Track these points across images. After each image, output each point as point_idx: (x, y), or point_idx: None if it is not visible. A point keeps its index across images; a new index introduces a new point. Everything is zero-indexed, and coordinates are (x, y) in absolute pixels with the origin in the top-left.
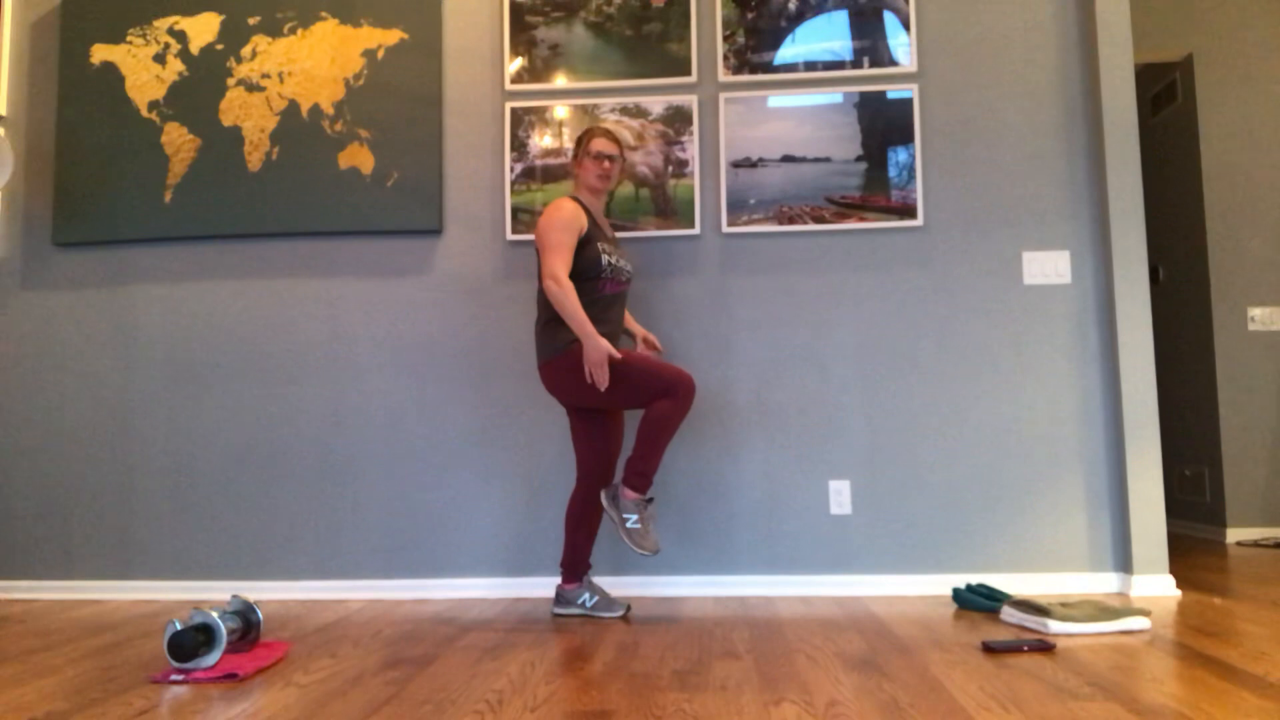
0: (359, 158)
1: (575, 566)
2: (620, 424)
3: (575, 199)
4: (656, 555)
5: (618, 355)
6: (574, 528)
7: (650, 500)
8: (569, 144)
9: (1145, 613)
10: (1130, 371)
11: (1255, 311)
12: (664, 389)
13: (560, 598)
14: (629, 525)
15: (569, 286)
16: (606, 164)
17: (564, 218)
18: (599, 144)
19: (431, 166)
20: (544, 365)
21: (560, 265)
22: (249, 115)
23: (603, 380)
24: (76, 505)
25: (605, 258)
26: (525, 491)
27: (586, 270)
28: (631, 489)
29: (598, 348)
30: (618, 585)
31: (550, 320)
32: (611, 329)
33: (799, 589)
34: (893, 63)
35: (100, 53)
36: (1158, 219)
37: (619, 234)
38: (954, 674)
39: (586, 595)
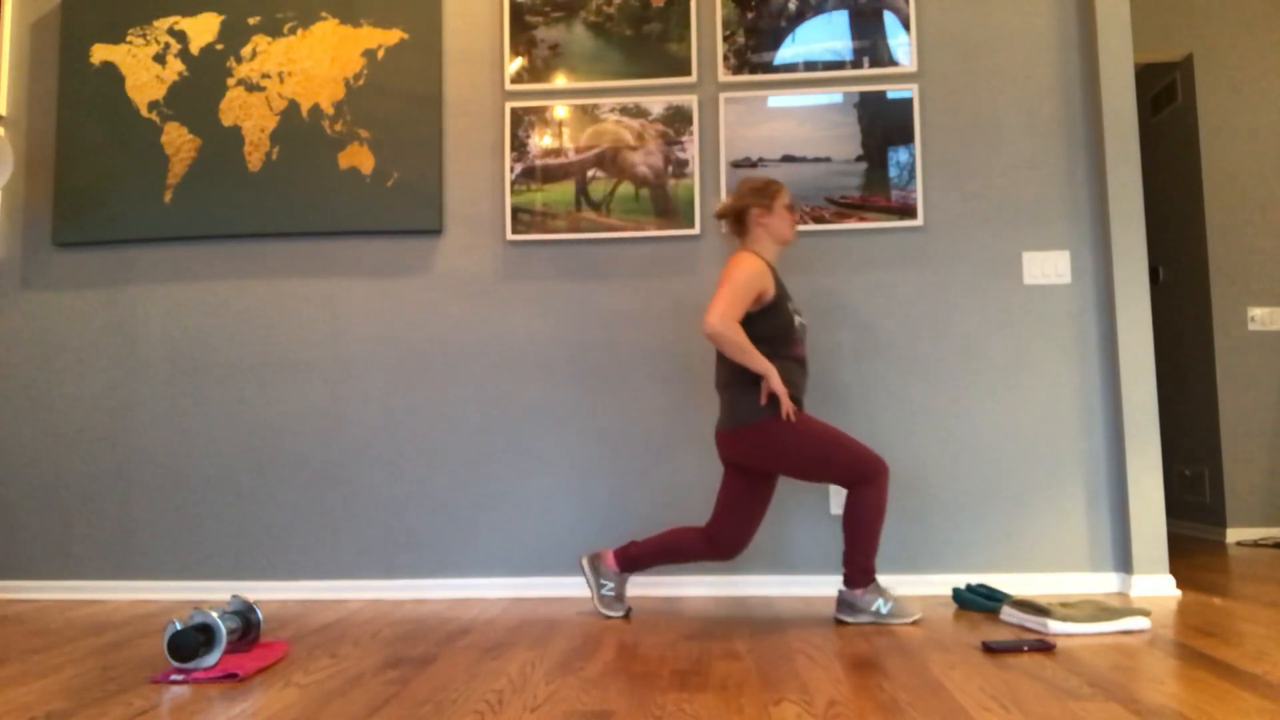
0: (359, 158)
1: (634, 563)
2: (771, 495)
3: (762, 257)
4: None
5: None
6: (667, 559)
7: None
8: (569, 144)
9: (1145, 613)
10: (1130, 371)
11: (1255, 311)
12: (866, 474)
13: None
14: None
15: (739, 330)
16: (796, 214)
17: (757, 270)
18: (788, 195)
19: (431, 166)
20: (740, 430)
21: (734, 312)
22: (249, 115)
23: (790, 408)
24: (76, 505)
25: (797, 318)
26: (525, 491)
27: (782, 333)
28: (857, 585)
29: (780, 382)
30: None
31: (745, 384)
32: (804, 396)
33: (799, 589)
34: (893, 63)
35: (100, 53)
36: (1158, 219)
37: (619, 234)
38: (954, 674)
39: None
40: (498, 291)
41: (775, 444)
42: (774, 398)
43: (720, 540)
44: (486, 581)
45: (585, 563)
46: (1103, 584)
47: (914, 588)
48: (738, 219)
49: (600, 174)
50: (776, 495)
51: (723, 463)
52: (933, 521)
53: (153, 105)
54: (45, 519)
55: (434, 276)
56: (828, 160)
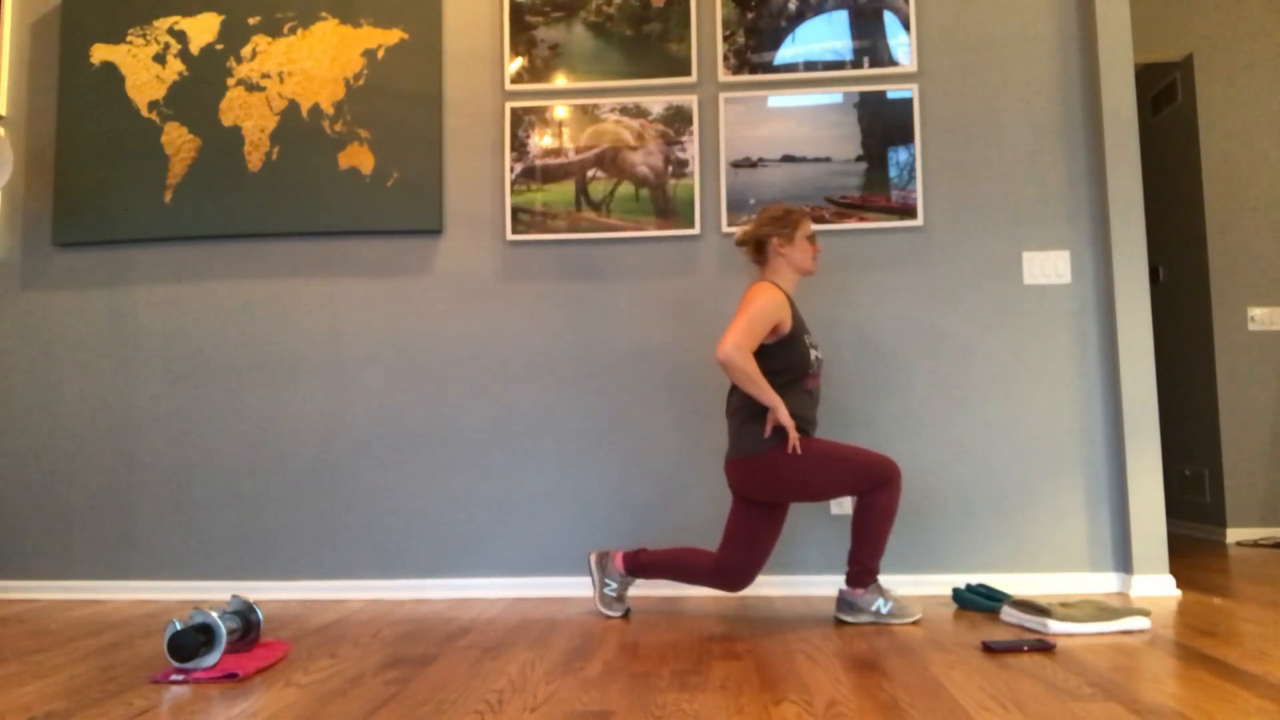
0: (359, 158)
1: (642, 570)
2: (781, 525)
3: (781, 289)
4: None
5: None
6: (674, 575)
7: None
8: (569, 144)
9: (1145, 613)
10: (1130, 371)
11: (1255, 311)
12: (877, 481)
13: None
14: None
15: (751, 360)
16: (817, 245)
17: (775, 302)
18: (810, 225)
19: (431, 166)
20: (745, 461)
21: (748, 342)
22: (249, 115)
23: (796, 441)
24: (76, 505)
25: (813, 352)
26: (525, 491)
27: (796, 366)
28: (859, 585)
29: (788, 415)
30: None
31: (753, 414)
32: (814, 428)
33: (799, 589)
34: (893, 63)
35: (100, 53)
36: (1158, 219)
37: (619, 234)
38: (954, 674)
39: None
40: (498, 291)
41: (780, 476)
42: (779, 429)
43: (728, 569)
44: (486, 581)
45: (593, 559)
46: (1103, 584)
47: (914, 588)
48: (757, 248)
49: (600, 174)
50: None
51: (732, 492)
52: (933, 521)
53: (153, 105)
54: (45, 519)
55: (434, 276)
56: (828, 160)
